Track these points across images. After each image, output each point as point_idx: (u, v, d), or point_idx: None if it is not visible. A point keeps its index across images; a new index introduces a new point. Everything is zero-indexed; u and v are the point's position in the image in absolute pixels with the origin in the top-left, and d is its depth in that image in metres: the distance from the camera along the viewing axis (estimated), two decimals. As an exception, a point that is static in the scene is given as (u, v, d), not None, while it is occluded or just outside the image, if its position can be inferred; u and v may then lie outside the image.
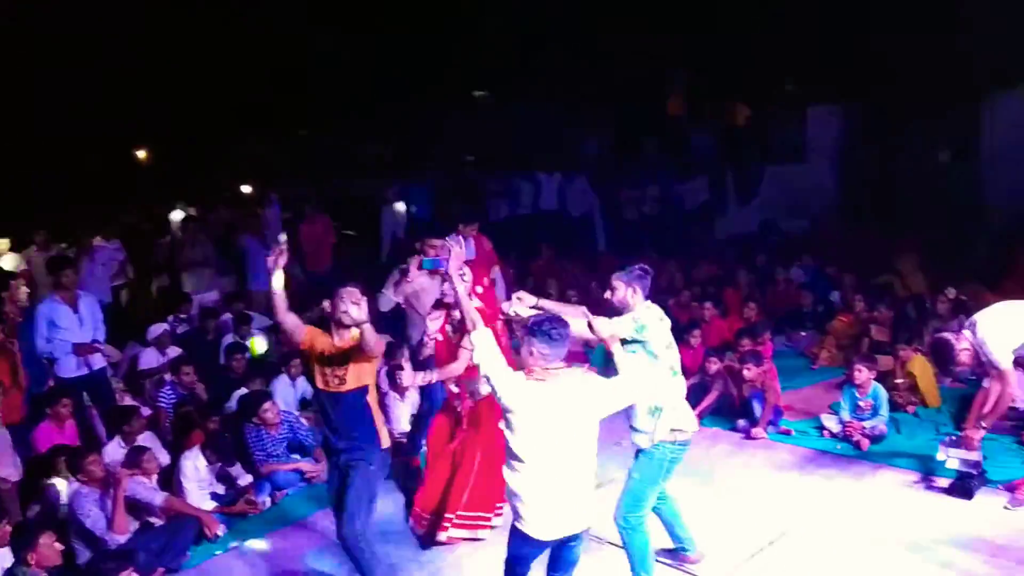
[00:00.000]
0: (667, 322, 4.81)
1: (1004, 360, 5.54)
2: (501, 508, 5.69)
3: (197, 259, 11.13)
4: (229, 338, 9.13)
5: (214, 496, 6.44)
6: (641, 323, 4.62)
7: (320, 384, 4.83)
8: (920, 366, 7.92)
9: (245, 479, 6.61)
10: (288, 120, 21.31)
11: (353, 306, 4.60)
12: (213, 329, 9.58)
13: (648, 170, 16.30)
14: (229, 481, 6.62)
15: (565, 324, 4.05)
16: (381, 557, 4.94)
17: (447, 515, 5.69)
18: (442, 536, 5.69)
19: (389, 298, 6.87)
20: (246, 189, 18.61)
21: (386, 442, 4.93)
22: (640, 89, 17.51)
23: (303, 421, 7.29)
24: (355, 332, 4.68)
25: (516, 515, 4.02)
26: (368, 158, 21.61)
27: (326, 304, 4.79)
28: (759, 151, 15.77)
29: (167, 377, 8.02)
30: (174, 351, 8.59)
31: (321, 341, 4.79)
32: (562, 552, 4.13)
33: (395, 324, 7.43)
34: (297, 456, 7.12)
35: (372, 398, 4.90)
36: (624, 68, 16.76)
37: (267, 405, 6.87)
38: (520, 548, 4.12)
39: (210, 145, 20.84)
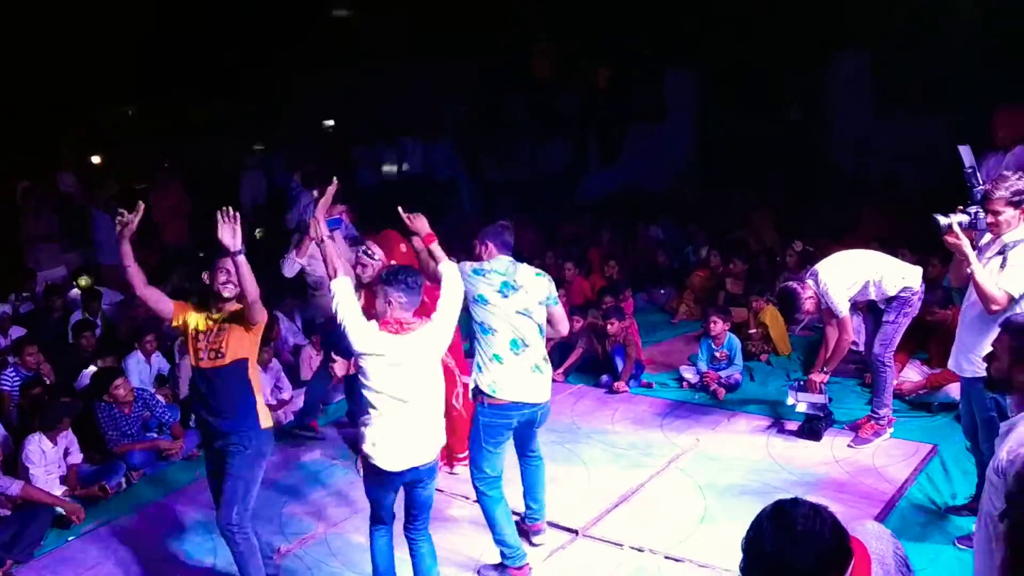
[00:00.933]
0: (515, 288, 4.60)
1: (842, 307, 5.81)
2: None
3: (41, 233, 10.53)
4: (78, 315, 8.70)
5: (63, 480, 6.13)
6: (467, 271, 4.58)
7: (195, 361, 4.54)
8: (772, 316, 8.24)
9: (76, 456, 6.25)
10: (141, 84, 20.26)
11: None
12: (60, 307, 9.10)
13: (512, 133, 16.32)
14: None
15: (419, 273, 4.26)
16: (257, 548, 4.70)
17: None
18: None
19: (293, 260, 6.63)
20: (95, 159, 17.66)
21: (267, 422, 4.62)
22: (504, 52, 17.45)
23: (159, 398, 7.03)
24: (235, 304, 4.48)
25: (367, 453, 4.13)
26: (226, 123, 20.79)
27: (205, 276, 4.58)
28: (620, 113, 15.99)
29: (10, 359, 7.57)
30: (17, 331, 8.14)
31: (195, 316, 4.55)
32: (413, 492, 4.28)
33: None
34: (154, 434, 6.87)
35: (254, 374, 4.61)
36: (488, 31, 16.64)
37: (118, 382, 6.57)
38: (375, 484, 4.25)
39: (53, 112, 19.62)
